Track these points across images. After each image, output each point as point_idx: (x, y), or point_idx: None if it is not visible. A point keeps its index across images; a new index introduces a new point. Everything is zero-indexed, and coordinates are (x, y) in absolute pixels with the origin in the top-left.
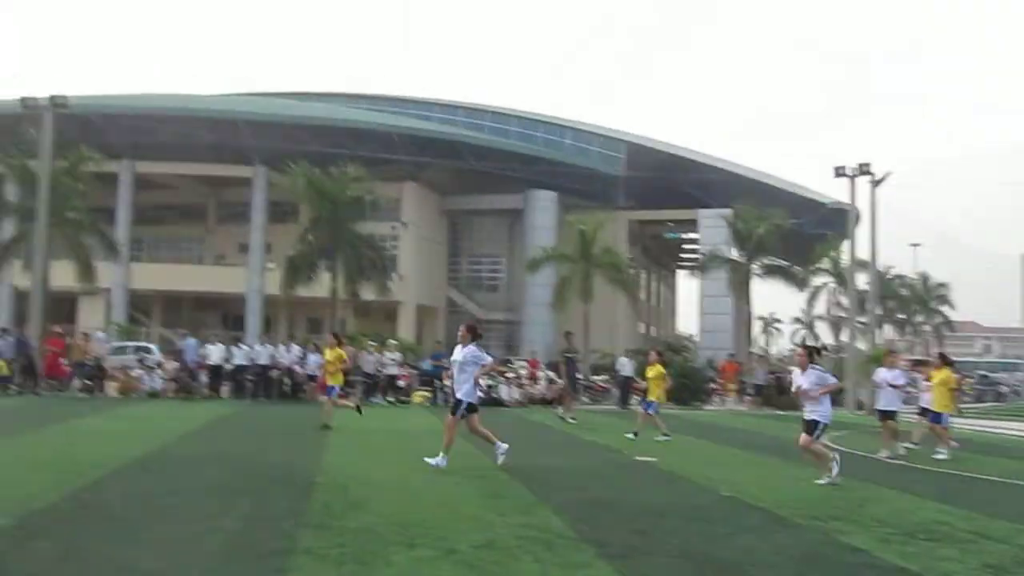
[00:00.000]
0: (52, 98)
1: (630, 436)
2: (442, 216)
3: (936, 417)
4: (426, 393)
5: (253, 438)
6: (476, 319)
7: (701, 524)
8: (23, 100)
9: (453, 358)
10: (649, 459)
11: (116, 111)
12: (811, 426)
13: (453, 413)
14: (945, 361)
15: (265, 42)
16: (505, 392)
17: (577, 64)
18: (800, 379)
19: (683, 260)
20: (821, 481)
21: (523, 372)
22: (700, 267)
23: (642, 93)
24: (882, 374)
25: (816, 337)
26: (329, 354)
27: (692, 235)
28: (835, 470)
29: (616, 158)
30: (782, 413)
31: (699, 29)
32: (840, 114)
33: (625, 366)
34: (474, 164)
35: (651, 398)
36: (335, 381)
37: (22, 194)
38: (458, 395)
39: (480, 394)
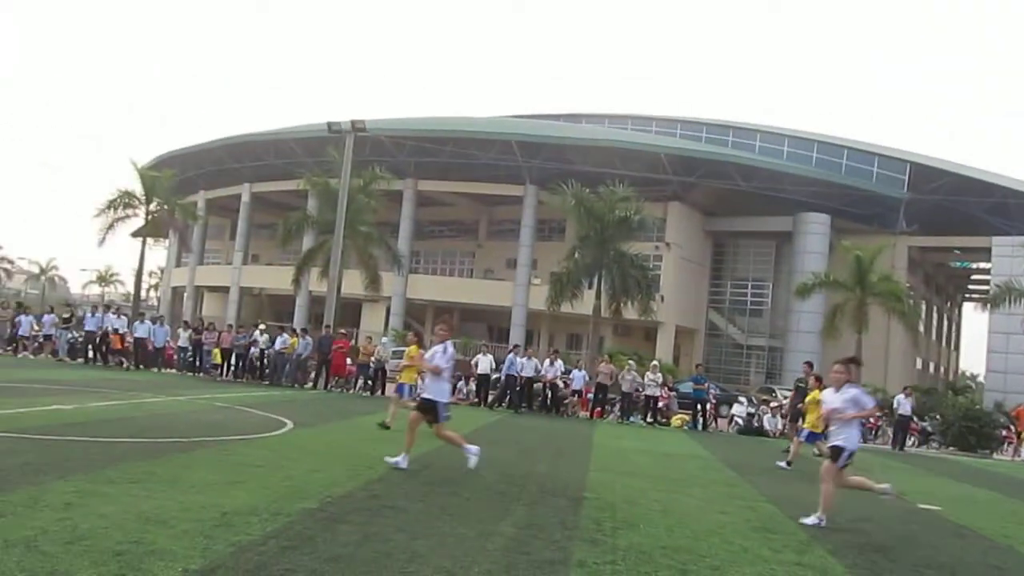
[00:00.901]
0: (353, 123)
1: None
2: (707, 237)
3: None
4: (684, 416)
5: (521, 448)
6: (736, 344)
7: None
8: (329, 125)
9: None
10: (933, 507)
11: (403, 134)
12: (836, 453)
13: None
14: None
15: (537, 65)
16: (768, 421)
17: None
18: (831, 398)
19: (971, 292)
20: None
21: (786, 402)
22: (992, 300)
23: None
24: None
25: None
26: (409, 351)
27: (983, 264)
28: (884, 486)
29: (897, 179)
30: None
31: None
32: None
33: (903, 404)
34: (742, 185)
35: (806, 425)
36: (408, 379)
37: (321, 209)
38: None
39: (739, 421)
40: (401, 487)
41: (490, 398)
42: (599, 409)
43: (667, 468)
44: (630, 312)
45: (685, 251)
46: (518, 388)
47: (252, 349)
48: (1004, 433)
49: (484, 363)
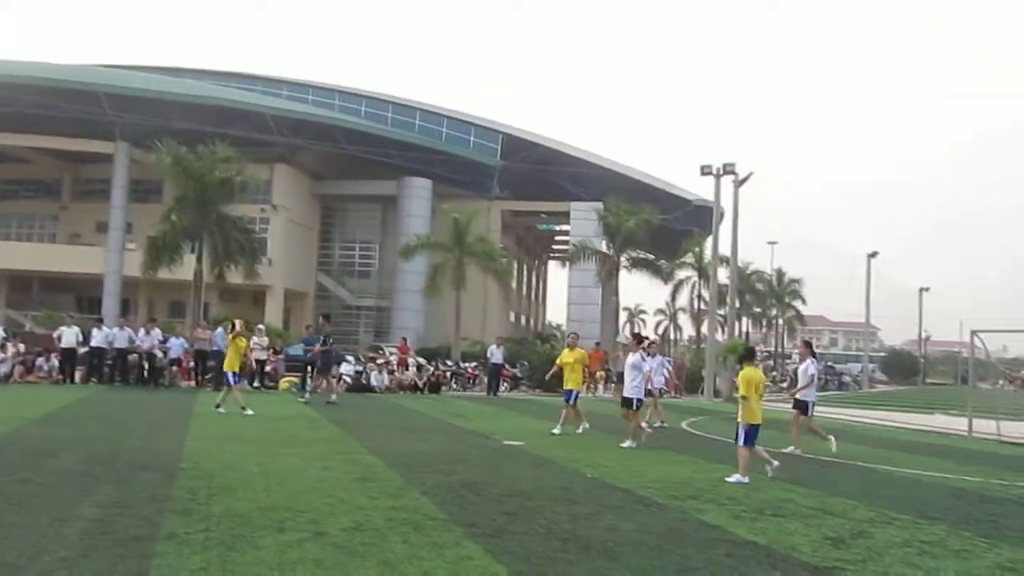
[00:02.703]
0: None
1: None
2: (314, 200)
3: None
4: (293, 379)
5: (112, 424)
6: (346, 305)
7: (567, 505)
8: None
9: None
10: (517, 443)
11: None
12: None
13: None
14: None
15: (135, 14)
16: (375, 378)
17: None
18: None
19: (555, 251)
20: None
21: (393, 358)
22: (570, 258)
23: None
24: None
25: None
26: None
27: (564, 227)
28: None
29: (492, 148)
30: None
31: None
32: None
33: (495, 354)
34: (349, 149)
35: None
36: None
37: None
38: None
39: (348, 379)
40: None
41: (77, 374)
42: (201, 378)
43: (272, 431)
44: (235, 276)
45: (293, 214)
46: (109, 361)
47: None
48: None
49: (69, 336)
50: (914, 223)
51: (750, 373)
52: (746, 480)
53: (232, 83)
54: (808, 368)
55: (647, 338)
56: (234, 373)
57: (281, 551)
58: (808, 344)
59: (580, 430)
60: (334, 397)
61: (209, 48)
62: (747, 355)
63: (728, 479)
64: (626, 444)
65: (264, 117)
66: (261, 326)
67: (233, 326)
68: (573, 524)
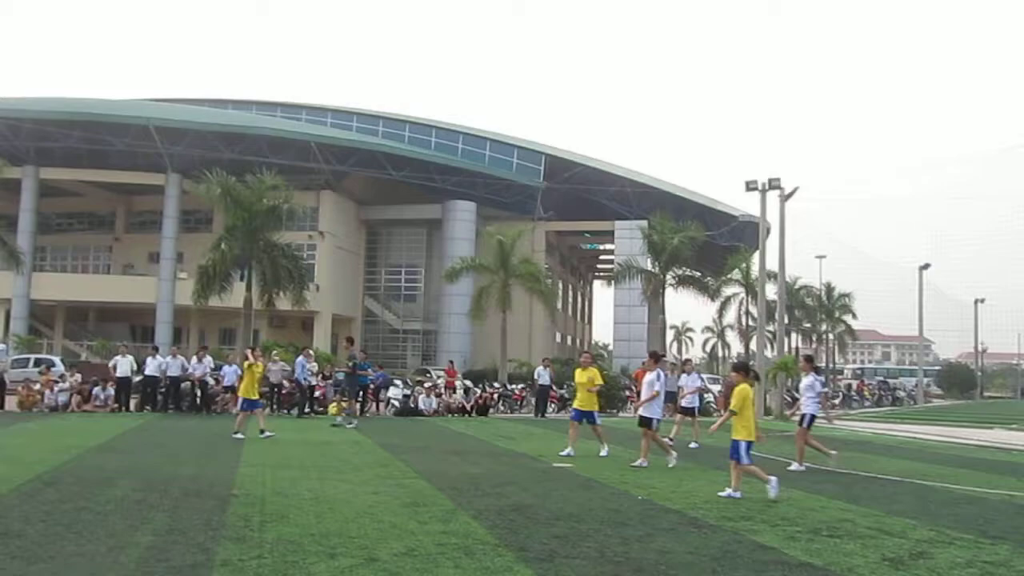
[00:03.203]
0: None
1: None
2: (360, 226)
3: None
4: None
5: (165, 451)
6: (393, 329)
7: (618, 527)
8: None
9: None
10: (566, 465)
11: (18, 115)
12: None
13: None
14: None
15: (181, 48)
16: (423, 402)
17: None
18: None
19: (600, 270)
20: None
21: (440, 382)
22: (615, 277)
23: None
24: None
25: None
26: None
27: (608, 246)
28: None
29: (535, 170)
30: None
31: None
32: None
33: (543, 375)
34: (393, 174)
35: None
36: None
37: None
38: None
39: (396, 403)
40: (18, 509)
41: (132, 402)
42: None
43: (321, 456)
44: (284, 303)
45: (339, 240)
46: (162, 389)
47: None
48: (627, 394)
49: (124, 365)
50: (967, 232)
51: (746, 389)
52: (739, 495)
53: (277, 112)
54: (815, 384)
55: (663, 356)
56: (249, 400)
57: None
58: (809, 359)
59: (604, 452)
60: (354, 422)
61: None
62: (742, 369)
63: (720, 494)
64: (637, 463)
65: (309, 145)
66: (310, 351)
67: (247, 355)
68: (625, 547)
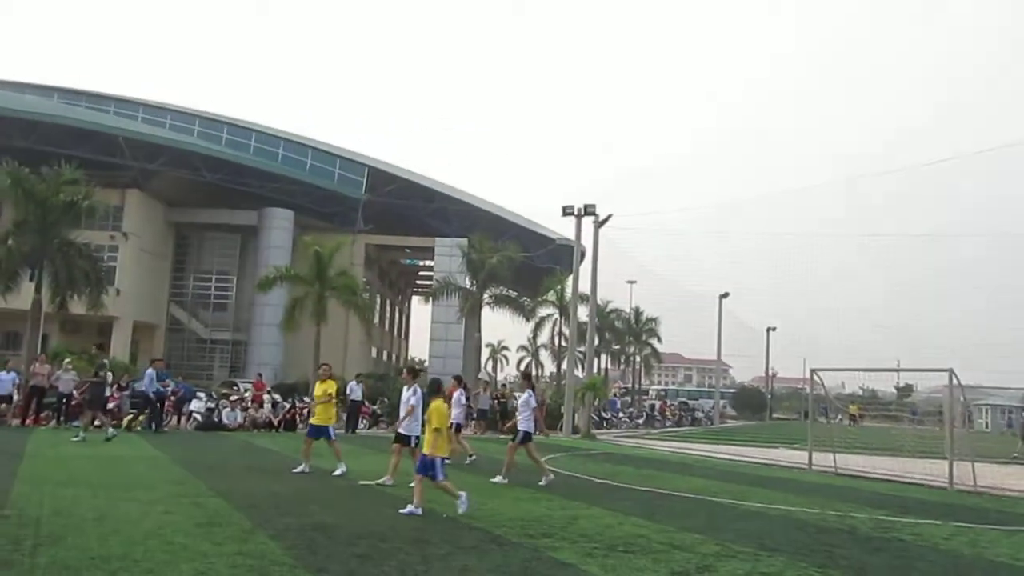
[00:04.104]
0: None
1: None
2: (169, 229)
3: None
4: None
5: None
6: (200, 338)
7: (421, 546)
8: None
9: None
10: (372, 482)
11: None
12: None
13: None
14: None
15: None
16: (228, 416)
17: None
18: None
19: (419, 287)
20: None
21: (248, 395)
22: (433, 294)
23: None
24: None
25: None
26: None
27: (428, 262)
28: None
29: (357, 181)
30: (503, 437)
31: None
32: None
33: (354, 391)
34: (207, 176)
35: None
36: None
37: None
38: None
39: (198, 417)
40: None
41: None
42: (36, 415)
43: (111, 473)
44: (79, 307)
45: (145, 242)
46: None
47: None
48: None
49: None
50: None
51: (441, 406)
52: (419, 512)
53: (82, 102)
54: (530, 400)
55: (460, 378)
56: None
57: None
58: (528, 376)
59: (305, 468)
60: (111, 432)
61: (56, 63)
62: (435, 389)
63: (402, 511)
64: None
65: (116, 139)
66: (67, 359)
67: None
68: (426, 565)
